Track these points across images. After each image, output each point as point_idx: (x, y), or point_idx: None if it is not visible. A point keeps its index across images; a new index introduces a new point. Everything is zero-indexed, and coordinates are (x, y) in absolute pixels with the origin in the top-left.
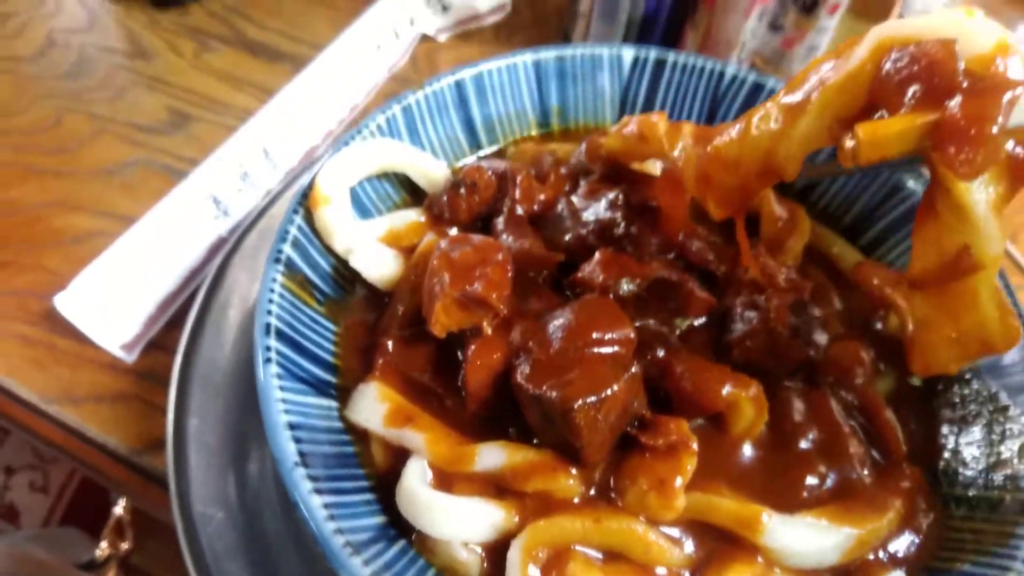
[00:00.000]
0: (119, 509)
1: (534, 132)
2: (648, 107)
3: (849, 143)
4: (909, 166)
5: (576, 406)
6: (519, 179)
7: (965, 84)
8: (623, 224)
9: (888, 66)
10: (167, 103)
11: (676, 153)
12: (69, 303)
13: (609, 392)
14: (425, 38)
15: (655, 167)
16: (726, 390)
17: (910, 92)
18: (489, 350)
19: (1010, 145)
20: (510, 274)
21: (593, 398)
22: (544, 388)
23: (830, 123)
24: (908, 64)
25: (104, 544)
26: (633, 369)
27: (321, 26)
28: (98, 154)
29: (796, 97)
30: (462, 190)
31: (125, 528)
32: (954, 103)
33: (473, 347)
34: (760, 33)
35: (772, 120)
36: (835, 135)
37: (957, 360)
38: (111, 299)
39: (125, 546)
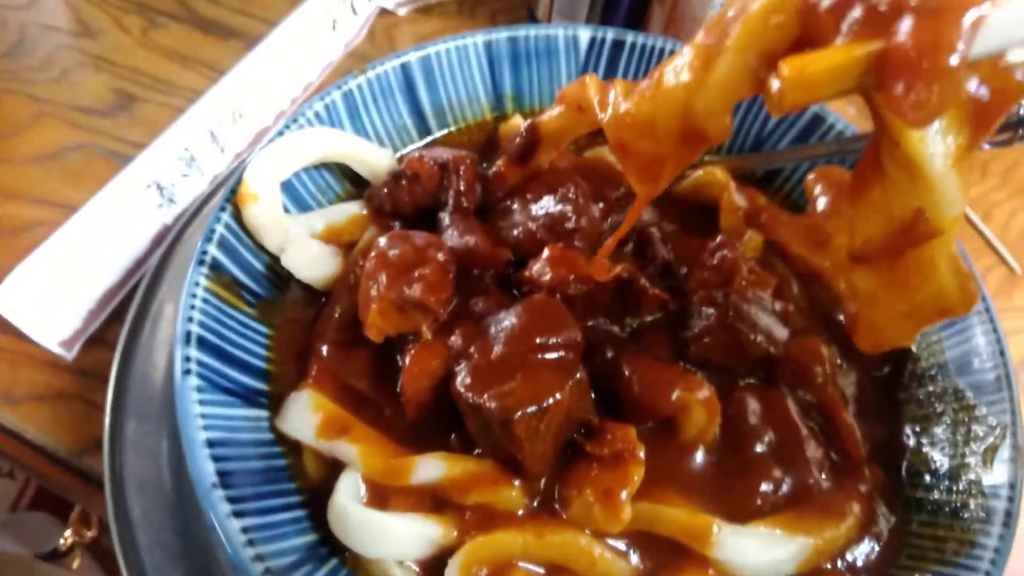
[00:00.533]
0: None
1: (488, 117)
2: None
3: (775, 84)
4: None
5: (516, 416)
6: (462, 169)
7: (915, 2)
8: (574, 218)
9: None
10: (112, 84)
11: (606, 118)
12: (5, 298)
13: (551, 401)
14: (384, 12)
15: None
16: (675, 394)
17: (849, 16)
18: (428, 356)
19: (973, 84)
20: (451, 275)
21: (534, 407)
22: (484, 397)
23: (754, 63)
24: None
25: (68, 532)
26: (578, 375)
27: (276, 1)
28: (38, 139)
29: (712, 36)
30: (403, 181)
31: (91, 515)
32: (902, 28)
33: (411, 353)
34: None
35: (687, 67)
36: (761, 78)
37: (911, 334)
38: (50, 293)
39: (91, 533)
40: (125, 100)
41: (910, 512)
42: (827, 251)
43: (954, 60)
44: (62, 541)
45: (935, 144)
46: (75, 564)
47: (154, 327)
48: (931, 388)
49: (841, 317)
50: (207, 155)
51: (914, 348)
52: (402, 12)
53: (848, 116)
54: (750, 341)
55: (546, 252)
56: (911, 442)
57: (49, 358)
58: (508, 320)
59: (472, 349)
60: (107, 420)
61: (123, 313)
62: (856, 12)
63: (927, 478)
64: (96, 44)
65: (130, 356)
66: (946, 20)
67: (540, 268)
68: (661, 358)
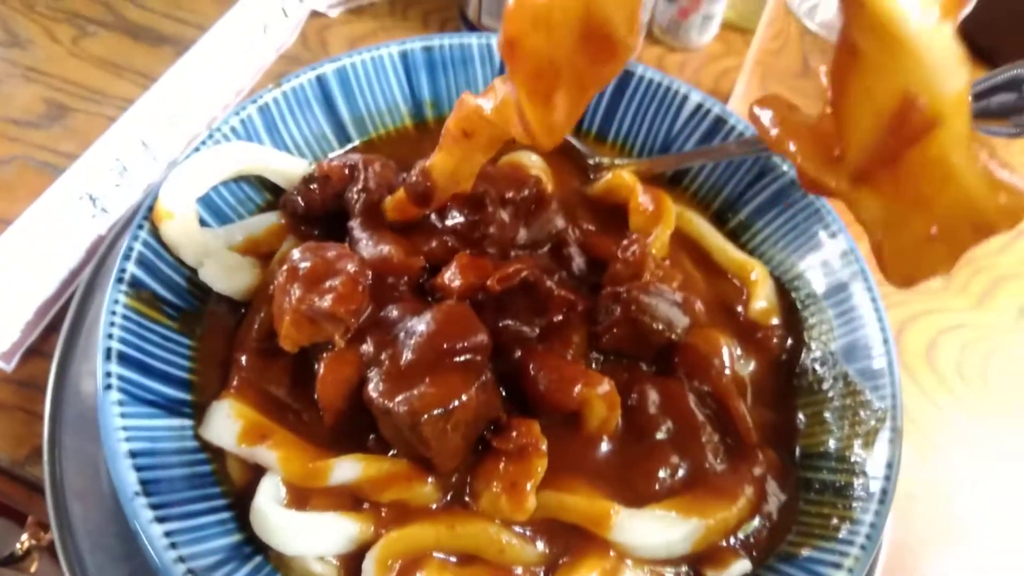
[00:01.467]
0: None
1: (409, 124)
2: None
3: None
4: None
5: (423, 419)
6: (371, 168)
7: None
8: (484, 226)
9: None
10: (44, 94)
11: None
12: None
13: (457, 403)
14: (315, 14)
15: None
16: (576, 389)
17: None
18: (341, 364)
19: None
20: (361, 286)
21: (440, 410)
22: (394, 402)
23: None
24: None
25: (25, 536)
26: (485, 376)
27: (206, 5)
28: None
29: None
30: (313, 185)
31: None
32: None
33: (324, 362)
34: (657, 3)
35: None
36: None
37: (948, 260)
38: None
39: (48, 536)
40: (57, 111)
41: (800, 491)
42: (840, 168)
43: None
44: (19, 545)
45: None
46: (33, 568)
47: (88, 337)
48: (823, 374)
49: (740, 309)
50: (139, 164)
51: (807, 337)
52: (333, 14)
53: (770, 88)
54: (652, 330)
55: (455, 261)
56: (803, 426)
57: None
58: (418, 326)
59: (383, 356)
60: (45, 430)
61: (60, 324)
62: None
63: (817, 459)
64: (26, 55)
65: (66, 367)
66: None
67: (451, 275)
68: (573, 354)
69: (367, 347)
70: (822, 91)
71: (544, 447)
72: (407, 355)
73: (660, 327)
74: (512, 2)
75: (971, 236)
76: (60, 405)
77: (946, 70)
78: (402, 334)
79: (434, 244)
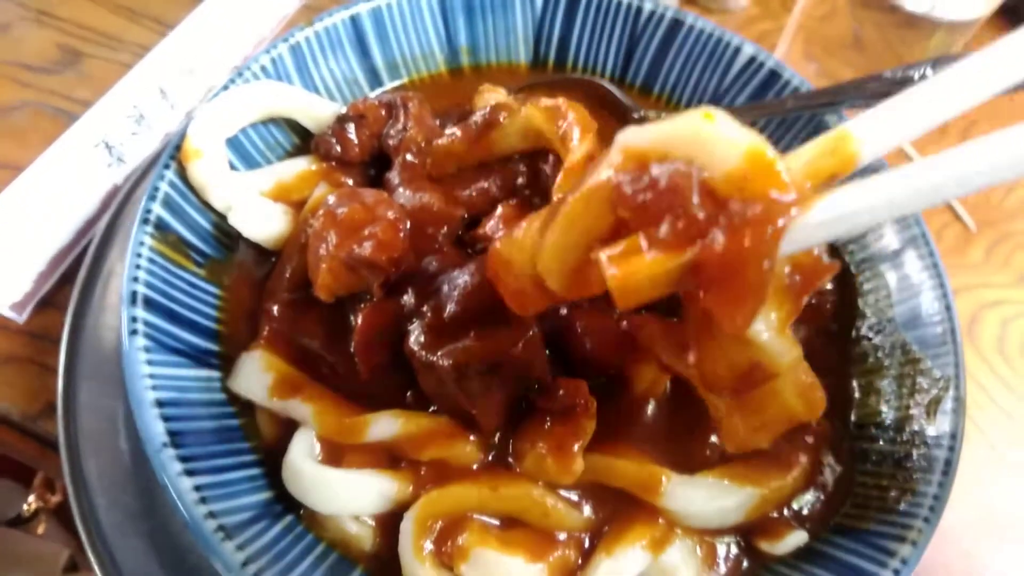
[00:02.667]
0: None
1: (444, 70)
2: (563, 46)
3: (607, 270)
4: (828, 108)
5: (469, 372)
6: (410, 106)
7: (722, 219)
8: (527, 174)
9: (627, 189)
10: (57, 39)
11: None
12: None
13: (505, 357)
14: None
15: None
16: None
17: (662, 227)
18: (380, 315)
19: (787, 270)
20: (402, 233)
21: (487, 363)
22: (437, 354)
23: (583, 241)
24: (646, 189)
25: (32, 498)
26: (531, 332)
27: None
28: None
29: (556, 199)
30: (349, 124)
31: (55, 480)
32: (715, 242)
33: (363, 312)
34: None
35: (537, 223)
36: (591, 250)
37: (767, 439)
38: None
39: (55, 498)
40: (71, 56)
41: (856, 462)
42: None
43: (766, 265)
44: (26, 507)
45: (759, 322)
46: (40, 529)
47: (105, 288)
48: (878, 343)
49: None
50: (157, 112)
51: (861, 304)
52: None
53: (816, 56)
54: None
55: (499, 209)
56: (858, 395)
57: None
58: (462, 278)
59: (425, 308)
60: (60, 383)
61: (74, 275)
62: (665, 222)
63: (873, 429)
64: None
65: (82, 318)
66: (753, 233)
67: (494, 225)
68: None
69: (408, 298)
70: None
71: (593, 408)
72: (451, 307)
73: None
74: (493, 250)
75: (787, 426)
76: (75, 358)
77: (784, 353)
78: (445, 286)
79: (474, 193)
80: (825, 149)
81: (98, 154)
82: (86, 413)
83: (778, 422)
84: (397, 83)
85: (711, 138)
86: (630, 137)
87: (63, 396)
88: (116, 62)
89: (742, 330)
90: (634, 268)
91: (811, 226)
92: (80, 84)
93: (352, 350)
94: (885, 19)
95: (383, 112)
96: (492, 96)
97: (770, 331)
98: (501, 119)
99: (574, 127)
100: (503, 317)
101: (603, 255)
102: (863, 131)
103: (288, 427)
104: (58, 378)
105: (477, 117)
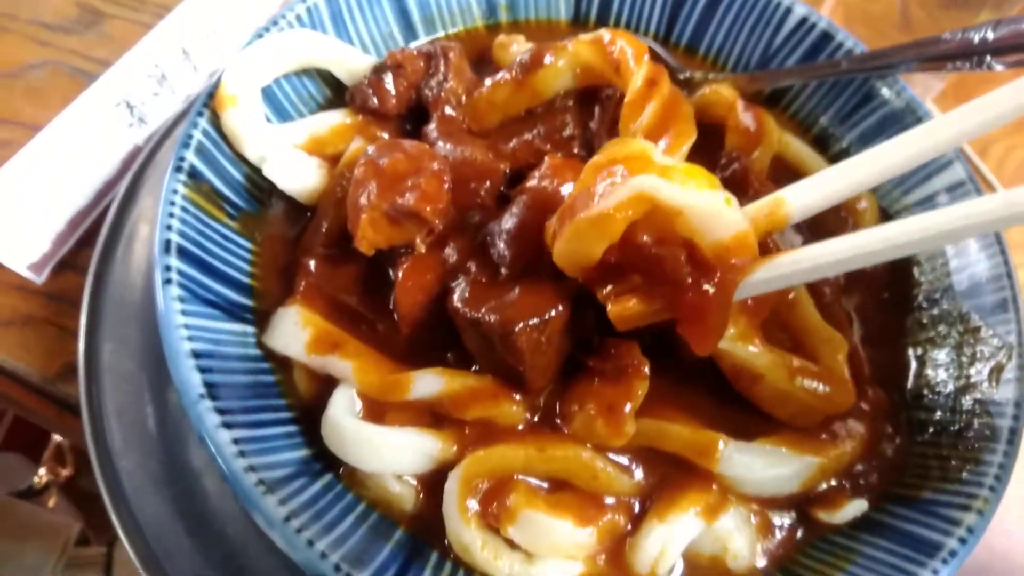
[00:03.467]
0: (59, 435)
1: (480, 26)
2: (605, 4)
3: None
4: (883, 71)
5: (517, 328)
6: (450, 55)
7: (700, 282)
8: (572, 124)
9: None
10: None
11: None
12: None
13: (553, 312)
14: None
15: None
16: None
17: (646, 281)
18: (422, 270)
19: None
20: (447, 185)
21: (536, 320)
22: (483, 311)
23: (585, 250)
24: (646, 248)
25: (43, 471)
26: (578, 287)
27: None
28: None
29: (568, 205)
30: (386, 75)
31: (65, 453)
32: (690, 292)
33: (405, 267)
34: None
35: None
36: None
37: (808, 424)
38: (16, 215)
39: (65, 472)
40: (91, 16)
41: (913, 433)
42: None
43: (722, 312)
44: (36, 480)
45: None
46: (51, 503)
47: (128, 249)
48: (935, 311)
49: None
50: (179, 73)
51: (917, 273)
52: None
53: (858, 35)
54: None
55: (546, 161)
56: (915, 365)
57: (17, 282)
58: (506, 224)
59: (469, 263)
60: (81, 345)
61: (93, 237)
62: (651, 274)
63: (931, 399)
64: None
65: (103, 279)
66: (724, 282)
67: (540, 179)
68: None
69: (450, 252)
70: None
71: (646, 369)
72: (499, 252)
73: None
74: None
75: (818, 416)
76: (97, 320)
77: (758, 356)
78: (489, 238)
79: (518, 146)
80: (761, 212)
81: (119, 113)
82: (109, 376)
83: (807, 414)
84: (432, 38)
85: (722, 217)
86: (653, 184)
87: (85, 358)
88: (137, 23)
89: (708, 352)
90: (625, 307)
91: (755, 283)
92: (100, 44)
93: (392, 306)
94: None
95: (422, 63)
96: (515, 43)
97: (731, 342)
98: (547, 59)
99: (626, 52)
100: (549, 272)
101: (603, 292)
102: (793, 197)
103: (326, 384)
104: (79, 340)
105: (520, 59)
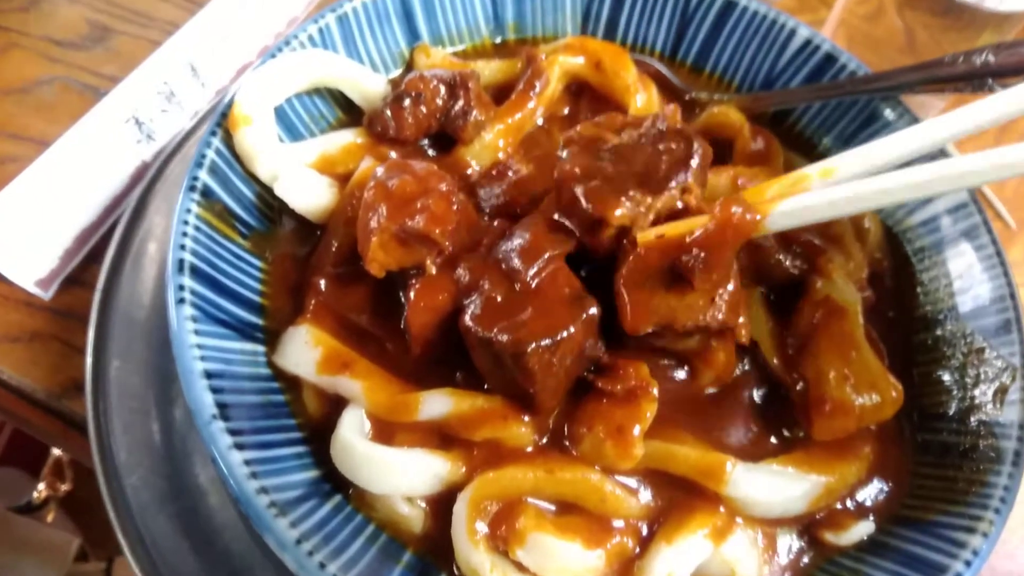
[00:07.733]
0: (58, 450)
1: (488, 44)
2: (612, 24)
3: None
4: (886, 92)
5: (529, 349)
6: (471, 85)
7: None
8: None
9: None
10: (86, 15)
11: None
12: None
13: (565, 334)
14: None
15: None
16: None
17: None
18: (433, 291)
19: None
20: (455, 206)
21: (548, 340)
22: (495, 331)
23: None
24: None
25: (42, 486)
26: (592, 310)
27: None
28: (9, 71)
29: None
30: (406, 102)
31: (64, 468)
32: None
33: (416, 288)
34: None
35: None
36: None
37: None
38: (24, 231)
39: (64, 487)
40: (100, 32)
41: (919, 453)
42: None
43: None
44: (35, 495)
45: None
46: (50, 518)
47: (136, 266)
48: (939, 333)
49: None
50: (188, 90)
51: (920, 293)
52: None
53: (860, 57)
54: (775, 262)
55: None
56: (919, 385)
57: (24, 298)
58: (515, 241)
59: (482, 282)
60: (89, 361)
61: (101, 253)
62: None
63: (935, 420)
64: None
65: (111, 295)
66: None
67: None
68: None
69: (462, 272)
70: None
71: (655, 391)
72: (508, 282)
73: (785, 260)
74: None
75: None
76: (105, 337)
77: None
78: (500, 257)
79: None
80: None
81: (128, 130)
82: (116, 392)
83: (866, 417)
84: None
85: None
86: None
87: (92, 375)
88: (145, 39)
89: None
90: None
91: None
92: (109, 60)
93: (403, 327)
94: (934, 21)
95: (442, 88)
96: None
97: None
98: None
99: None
100: (562, 295)
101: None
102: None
103: (335, 404)
104: (87, 356)
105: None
